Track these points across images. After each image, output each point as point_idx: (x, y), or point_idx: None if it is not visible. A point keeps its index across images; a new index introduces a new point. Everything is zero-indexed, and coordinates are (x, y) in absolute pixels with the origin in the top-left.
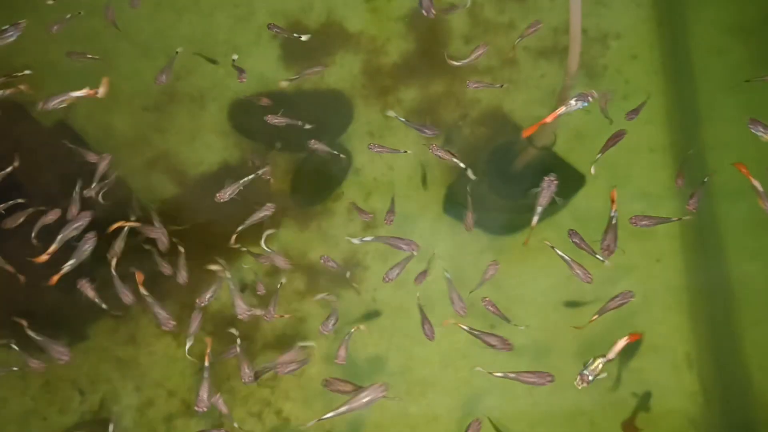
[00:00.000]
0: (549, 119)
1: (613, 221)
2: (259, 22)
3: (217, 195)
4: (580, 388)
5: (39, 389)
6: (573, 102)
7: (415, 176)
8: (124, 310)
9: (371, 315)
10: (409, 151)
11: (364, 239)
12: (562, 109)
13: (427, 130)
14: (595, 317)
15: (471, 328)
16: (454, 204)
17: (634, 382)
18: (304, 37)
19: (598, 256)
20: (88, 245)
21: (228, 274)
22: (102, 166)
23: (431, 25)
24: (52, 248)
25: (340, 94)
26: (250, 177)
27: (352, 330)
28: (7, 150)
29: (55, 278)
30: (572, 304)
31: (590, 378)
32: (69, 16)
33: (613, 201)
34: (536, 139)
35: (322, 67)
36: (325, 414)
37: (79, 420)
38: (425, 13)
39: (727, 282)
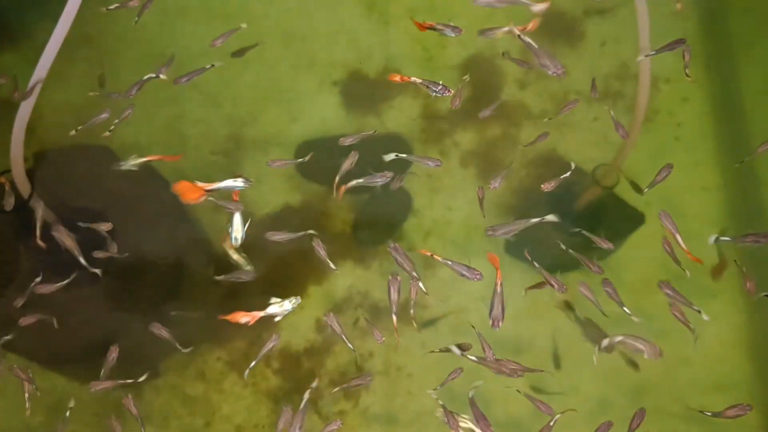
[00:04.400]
0: None
1: None
2: (320, 72)
3: None
4: None
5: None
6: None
7: (473, 216)
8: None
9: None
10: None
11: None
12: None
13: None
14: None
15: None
16: (514, 243)
17: None
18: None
19: (625, 308)
20: None
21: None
22: None
23: (486, 73)
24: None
25: (399, 137)
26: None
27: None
28: (98, 191)
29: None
30: None
31: None
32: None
33: None
34: (602, 179)
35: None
36: None
37: None
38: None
39: None
